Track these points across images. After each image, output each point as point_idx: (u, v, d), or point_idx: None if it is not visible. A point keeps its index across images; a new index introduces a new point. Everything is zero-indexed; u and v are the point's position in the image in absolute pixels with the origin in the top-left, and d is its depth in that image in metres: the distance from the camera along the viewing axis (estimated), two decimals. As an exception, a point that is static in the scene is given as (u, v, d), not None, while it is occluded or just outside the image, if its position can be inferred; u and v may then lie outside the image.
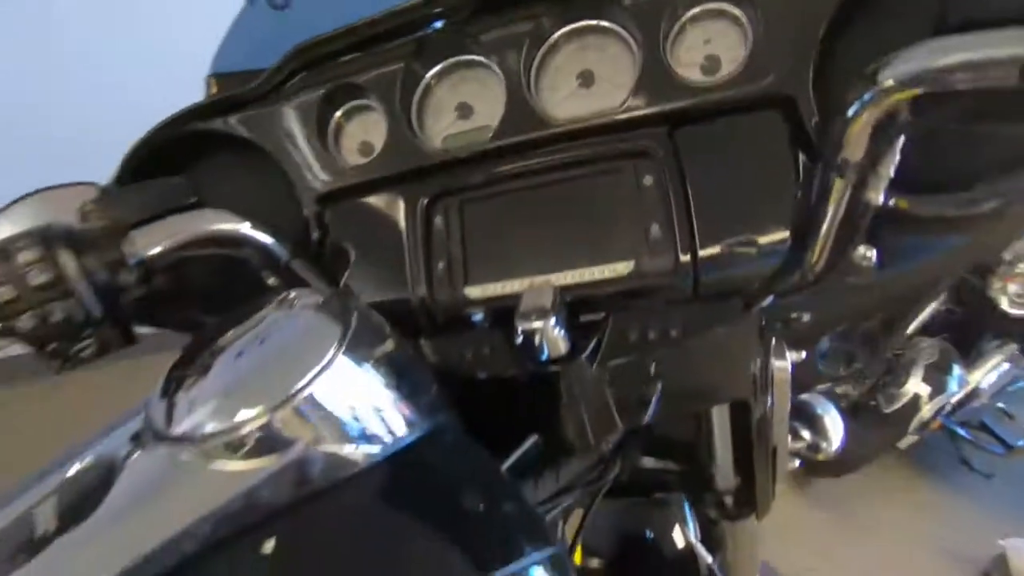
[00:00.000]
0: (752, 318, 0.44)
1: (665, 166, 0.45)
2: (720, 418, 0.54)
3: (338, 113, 0.54)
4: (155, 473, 0.32)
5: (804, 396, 0.60)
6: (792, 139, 0.42)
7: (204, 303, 0.54)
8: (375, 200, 0.53)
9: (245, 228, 0.47)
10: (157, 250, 0.42)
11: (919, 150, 0.38)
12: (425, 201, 0.51)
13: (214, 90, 0.58)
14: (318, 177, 0.53)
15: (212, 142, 0.55)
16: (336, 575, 0.30)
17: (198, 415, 0.32)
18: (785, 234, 0.41)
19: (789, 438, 0.58)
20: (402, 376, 0.38)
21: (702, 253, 0.44)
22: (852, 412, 1.93)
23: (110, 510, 0.31)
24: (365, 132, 0.54)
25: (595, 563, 0.82)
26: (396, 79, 0.51)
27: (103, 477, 0.33)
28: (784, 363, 0.50)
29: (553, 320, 0.41)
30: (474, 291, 0.50)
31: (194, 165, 0.55)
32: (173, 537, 0.30)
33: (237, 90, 0.53)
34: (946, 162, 0.40)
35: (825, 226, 0.39)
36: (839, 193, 0.37)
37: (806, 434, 0.59)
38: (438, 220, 0.51)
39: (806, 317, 0.50)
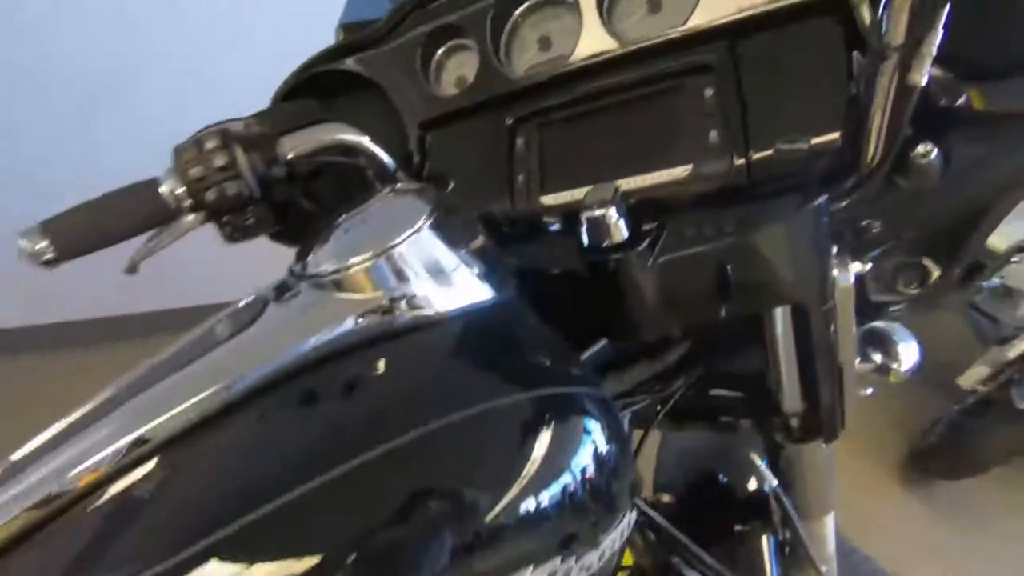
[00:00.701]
0: (810, 218, 0.46)
1: (724, 77, 0.48)
2: (784, 335, 0.56)
3: (439, 51, 0.63)
4: (293, 302, 0.43)
5: (877, 323, 0.59)
6: (845, 41, 0.44)
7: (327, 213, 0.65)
8: (467, 125, 0.61)
9: (366, 141, 0.57)
10: (300, 152, 0.54)
11: (985, 30, 0.38)
12: (509, 123, 0.58)
13: (341, 37, 0.69)
14: (420, 107, 0.63)
15: (339, 80, 0.66)
16: (414, 398, 0.38)
17: (322, 261, 0.43)
18: (835, 133, 0.43)
19: (858, 360, 0.59)
20: (483, 258, 0.46)
21: (756, 155, 0.47)
22: (982, 407, 1.76)
23: (262, 326, 0.42)
24: (460, 67, 0.63)
25: (666, 498, 0.85)
26: (488, 18, 0.59)
27: (257, 309, 0.43)
28: (847, 273, 0.51)
29: (613, 210, 0.46)
30: (548, 199, 0.56)
31: (326, 100, 0.67)
32: (306, 349, 0.39)
33: (358, 35, 0.64)
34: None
35: (875, 117, 0.41)
36: (885, 79, 0.38)
37: (877, 357, 0.58)
38: (520, 140, 0.58)
39: (876, 227, 0.51)
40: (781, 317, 0.54)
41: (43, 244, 0.49)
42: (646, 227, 0.50)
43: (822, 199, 0.46)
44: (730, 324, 0.60)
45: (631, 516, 0.44)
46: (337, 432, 0.35)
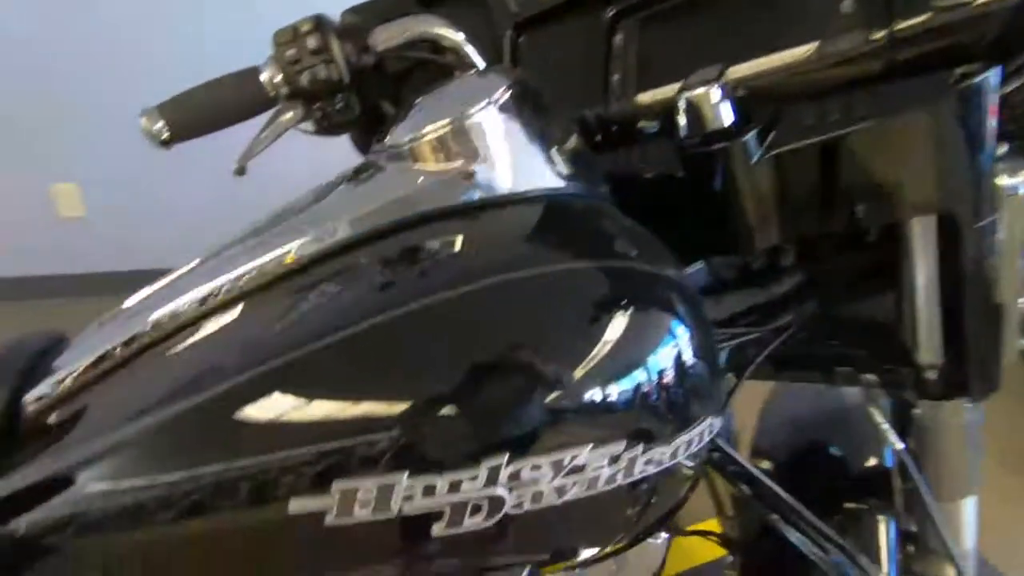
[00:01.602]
0: (968, 100, 0.37)
1: None
2: (925, 259, 0.47)
3: None
4: (375, 171, 0.42)
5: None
6: None
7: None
8: (562, 25, 0.57)
9: (460, 37, 0.55)
10: (392, 43, 0.54)
11: None
12: (608, 16, 0.53)
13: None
14: (516, 6, 0.59)
15: None
16: (492, 253, 0.36)
17: (401, 132, 0.41)
18: None
19: (1022, 300, 0.47)
20: (574, 160, 0.43)
21: (901, 24, 0.38)
22: None
23: (340, 195, 0.42)
24: None
25: (765, 465, 0.76)
26: None
27: (335, 185, 0.43)
28: (1018, 180, 0.41)
29: (717, 88, 0.40)
30: (645, 96, 0.51)
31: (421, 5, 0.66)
32: (380, 215, 0.38)
33: None
34: None
35: None
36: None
37: (1050, 294, 0.47)
38: (618, 36, 0.53)
39: None
40: (922, 234, 0.45)
41: (159, 124, 0.53)
42: (756, 117, 0.44)
43: (986, 75, 0.37)
44: (855, 246, 0.52)
45: (714, 424, 0.38)
46: (411, 278, 0.34)
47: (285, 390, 0.30)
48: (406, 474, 0.30)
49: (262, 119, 0.58)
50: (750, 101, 0.44)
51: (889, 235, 0.48)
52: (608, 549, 0.39)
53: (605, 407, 0.33)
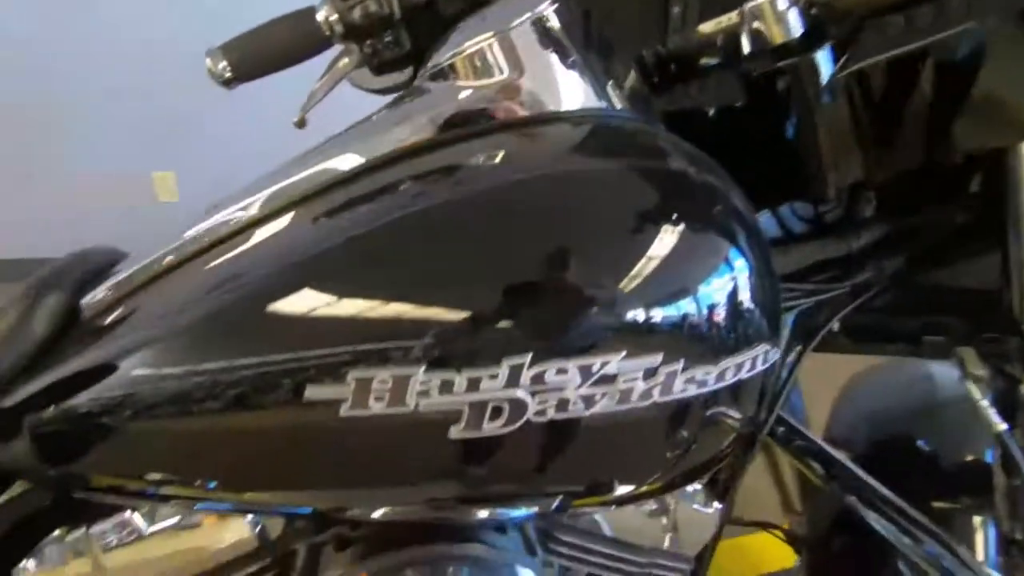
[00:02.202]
0: None
1: None
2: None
3: None
4: (418, 93, 0.42)
5: None
6: None
7: None
8: None
9: None
10: None
11: None
12: None
13: None
14: None
15: None
16: (514, 172, 0.34)
17: (442, 52, 0.41)
18: None
19: None
20: (632, 98, 0.41)
21: None
22: None
23: (383, 115, 0.42)
24: None
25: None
26: None
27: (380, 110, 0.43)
28: None
29: None
30: (706, 26, 0.46)
31: None
32: (419, 130, 0.37)
33: None
34: None
35: None
36: None
37: None
38: None
39: None
40: None
41: (223, 64, 0.54)
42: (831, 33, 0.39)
43: None
44: (951, 195, 0.45)
45: (768, 355, 0.35)
46: (444, 180, 0.34)
47: (310, 283, 0.31)
48: (422, 368, 0.29)
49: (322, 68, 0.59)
50: (825, 17, 0.39)
51: (991, 179, 0.41)
52: (644, 488, 0.35)
53: (643, 315, 0.30)
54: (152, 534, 0.36)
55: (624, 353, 0.30)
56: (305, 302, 0.31)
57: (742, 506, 0.68)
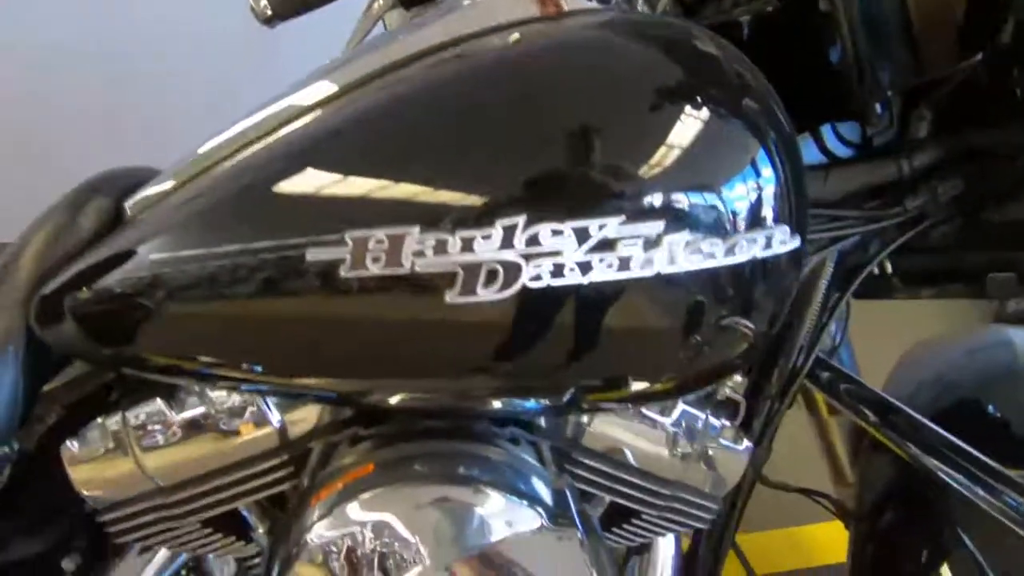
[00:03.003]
0: None
1: None
2: None
3: None
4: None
5: None
6: None
7: None
8: None
9: None
10: None
11: None
12: None
13: None
14: None
15: None
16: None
17: None
18: None
19: None
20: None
21: None
22: None
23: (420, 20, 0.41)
24: None
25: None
26: None
27: None
28: None
29: None
30: None
31: None
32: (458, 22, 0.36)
33: None
34: None
35: None
36: None
37: None
38: None
39: None
40: None
41: (264, 3, 0.57)
42: None
43: None
44: (1016, 112, 0.40)
45: (784, 240, 0.32)
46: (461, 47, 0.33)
47: (309, 153, 0.31)
48: (417, 228, 0.29)
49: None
50: None
51: None
52: (658, 386, 0.34)
53: (644, 177, 0.29)
54: (180, 423, 0.38)
55: (623, 217, 0.29)
56: (306, 170, 0.32)
57: (789, 477, 0.65)
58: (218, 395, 0.38)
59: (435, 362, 0.33)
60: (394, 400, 0.35)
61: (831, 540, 1.08)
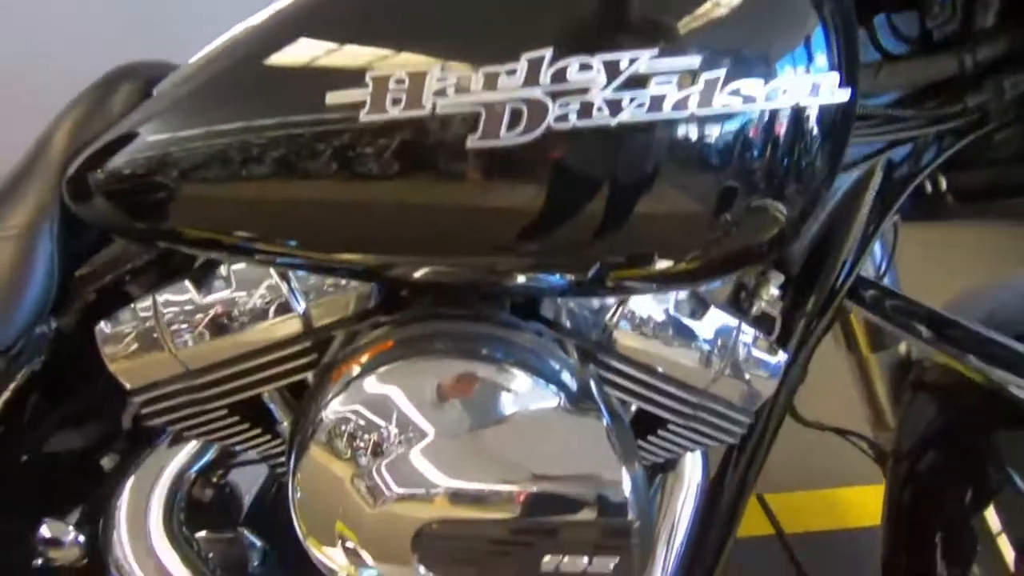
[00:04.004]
0: None
1: None
2: None
3: None
4: None
5: None
6: None
7: None
8: None
9: None
10: None
11: None
12: None
13: None
14: None
15: None
16: None
17: None
18: None
19: None
20: None
21: None
22: None
23: None
24: None
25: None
26: None
27: None
28: None
29: None
30: None
31: None
32: None
33: None
34: None
35: None
36: None
37: None
38: None
39: None
40: None
41: None
42: None
43: None
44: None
45: (836, 95, 0.30)
46: None
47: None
48: (439, 65, 0.28)
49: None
50: None
51: None
52: (683, 264, 0.32)
53: (679, 4, 0.27)
54: (208, 308, 0.39)
55: (656, 51, 0.27)
56: (323, 14, 0.31)
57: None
58: (246, 280, 0.38)
59: (456, 218, 0.32)
60: (416, 270, 0.34)
61: (863, 503, 1.04)
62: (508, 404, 0.34)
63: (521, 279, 0.35)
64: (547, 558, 0.35)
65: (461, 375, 0.34)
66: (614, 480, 0.34)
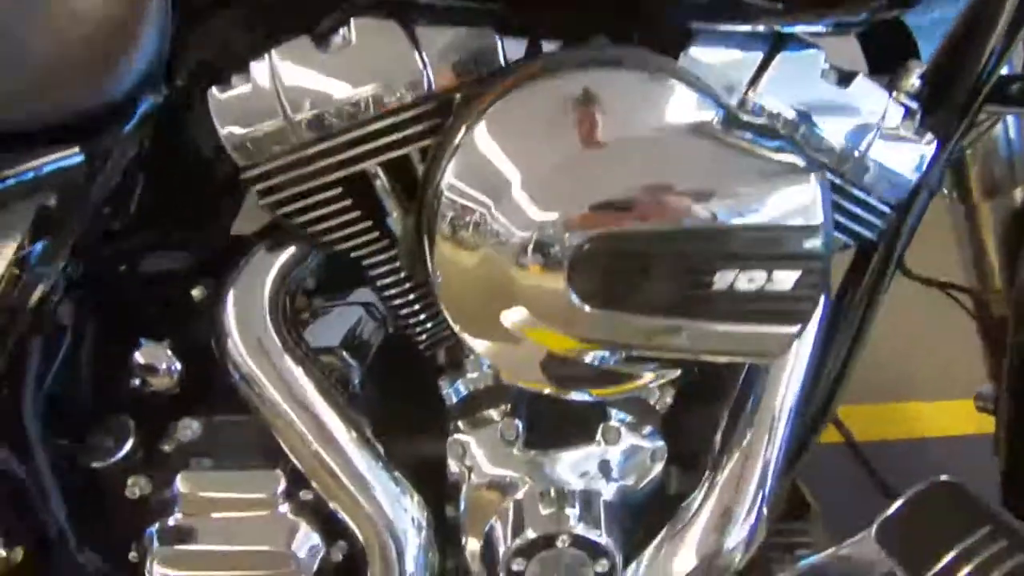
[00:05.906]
0: None
1: None
2: None
3: None
4: None
5: None
6: None
7: None
8: None
9: None
10: None
11: None
12: None
13: None
14: None
15: None
16: None
17: None
18: None
19: None
20: None
21: None
22: None
23: None
24: None
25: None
26: None
27: None
28: None
29: None
30: None
31: None
32: None
33: None
34: None
35: None
36: None
37: None
38: None
39: None
40: None
41: None
42: None
43: None
44: None
45: None
46: None
47: None
48: None
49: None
50: None
51: None
52: None
53: None
54: (327, 61, 0.37)
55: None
56: None
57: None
58: (369, 37, 0.36)
59: None
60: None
61: (934, 417, 1.01)
62: (678, 111, 0.31)
63: None
64: (717, 276, 0.32)
65: (626, 82, 0.31)
66: (802, 180, 0.31)
